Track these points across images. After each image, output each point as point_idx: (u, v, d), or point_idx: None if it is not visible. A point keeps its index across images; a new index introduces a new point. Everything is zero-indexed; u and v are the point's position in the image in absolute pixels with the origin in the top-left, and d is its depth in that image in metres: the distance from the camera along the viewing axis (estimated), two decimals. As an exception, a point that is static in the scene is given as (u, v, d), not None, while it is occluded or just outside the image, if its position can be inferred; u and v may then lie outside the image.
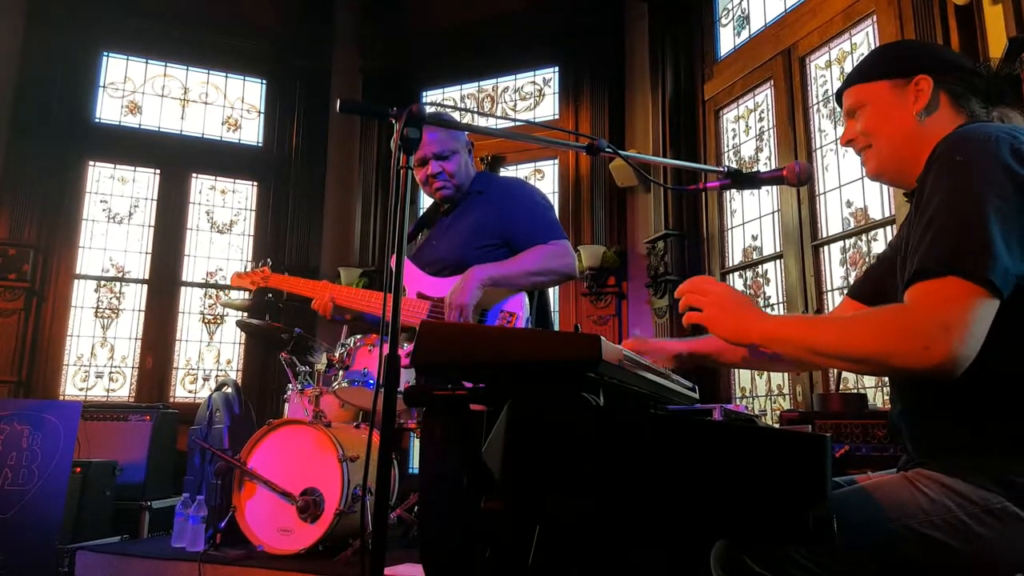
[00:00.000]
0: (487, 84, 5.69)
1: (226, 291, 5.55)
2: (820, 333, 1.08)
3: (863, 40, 3.60)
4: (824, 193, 3.75)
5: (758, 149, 4.30)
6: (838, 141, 3.65)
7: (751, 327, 1.15)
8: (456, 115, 5.17)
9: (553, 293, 2.49)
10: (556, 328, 2.19)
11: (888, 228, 3.35)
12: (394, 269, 1.31)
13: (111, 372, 5.20)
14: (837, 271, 3.65)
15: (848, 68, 3.67)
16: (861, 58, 1.39)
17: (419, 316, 2.06)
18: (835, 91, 1.39)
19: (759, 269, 4.19)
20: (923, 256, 1.02)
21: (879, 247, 3.42)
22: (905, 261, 1.12)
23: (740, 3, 4.51)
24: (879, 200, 3.41)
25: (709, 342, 1.51)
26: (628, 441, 0.90)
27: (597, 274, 4.75)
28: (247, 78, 5.83)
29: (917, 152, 1.20)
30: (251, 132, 5.80)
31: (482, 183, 2.22)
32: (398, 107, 1.41)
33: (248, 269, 2.62)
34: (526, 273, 2.01)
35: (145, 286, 5.33)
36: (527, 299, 2.01)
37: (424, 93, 5.85)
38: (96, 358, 5.20)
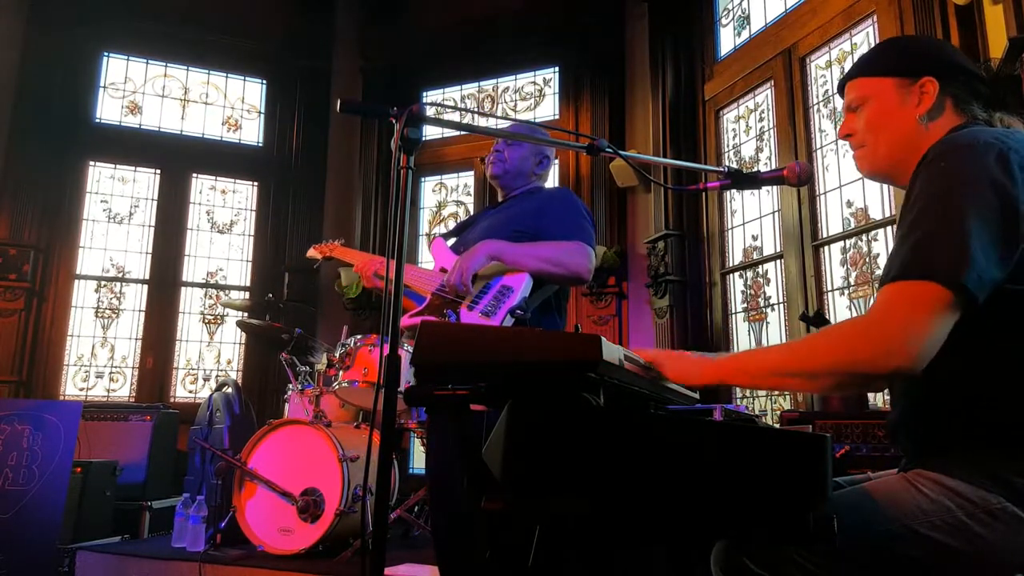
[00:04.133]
0: (487, 84, 5.69)
1: (226, 291, 5.55)
2: (780, 356, 1.10)
3: (863, 40, 3.60)
4: (824, 193, 3.75)
5: (758, 149, 4.30)
6: (838, 142, 3.67)
7: (706, 367, 1.18)
8: (456, 115, 5.17)
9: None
10: (565, 323, 2.20)
11: (889, 228, 3.35)
12: (394, 271, 1.31)
13: (111, 372, 5.21)
14: (837, 271, 3.65)
15: (848, 68, 3.67)
16: (866, 51, 1.36)
17: (432, 286, 2.09)
18: (839, 81, 1.37)
19: (759, 269, 4.19)
20: (901, 260, 1.03)
21: (879, 247, 3.42)
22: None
23: (740, 3, 4.50)
24: (879, 200, 3.41)
25: None
26: (628, 441, 0.90)
27: (597, 274, 4.75)
28: (247, 78, 5.84)
29: (912, 155, 1.19)
30: (251, 132, 5.80)
31: (535, 189, 2.34)
32: (398, 107, 1.41)
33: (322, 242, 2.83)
34: (535, 257, 2.02)
35: (145, 286, 5.33)
36: (530, 282, 2.00)
37: (424, 93, 5.85)
38: (96, 358, 5.20)
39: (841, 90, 1.35)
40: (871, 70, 1.28)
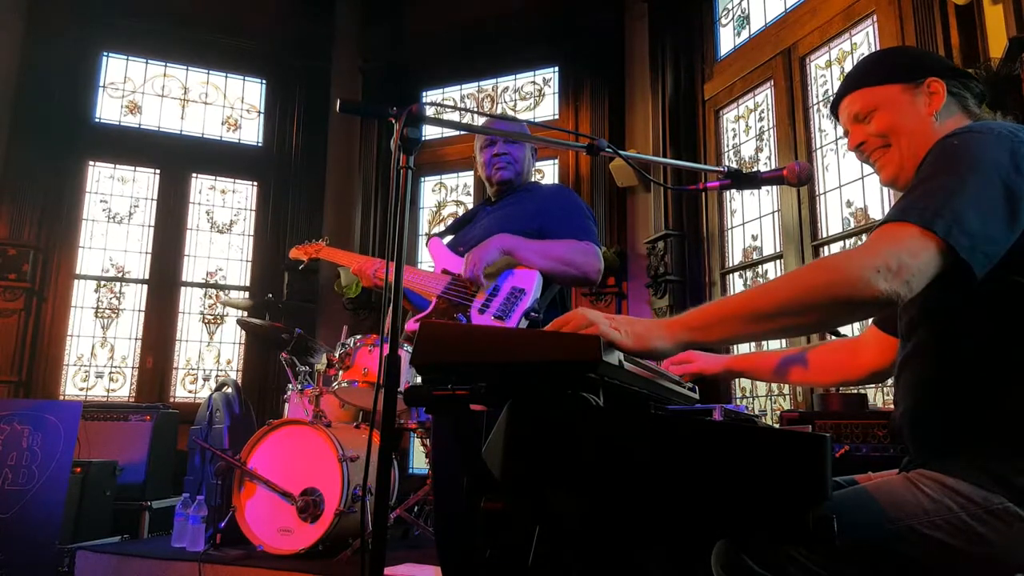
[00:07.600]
0: (487, 84, 5.69)
1: (226, 291, 5.55)
2: (760, 295, 1.06)
3: (863, 40, 3.60)
4: (824, 193, 3.75)
5: (758, 149, 4.30)
6: (838, 142, 3.67)
7: (675, 326, 1.05)
8: (456, 115, 5.17)
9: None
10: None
11: (888, 228, 3.35)
12: (393, 270, 1.31)
13: (111, 372, 5.20)
14: (837, 271, 3.65)
15: (848, 68, 3.67)
16: (857, 64, 1.37)
17: (437, 288, 2.07)
18: (833, 98, 1.37)
19: (759, 269, 4.19)
20: (895, 207, 1.06)
21: (879, 247, 3.41)
22: None
23: (740, 3, 4.50)
24: (879, 200, 3.41)
25: (743, 360, 1.60)
26: (628, 441, 0.90)
27: (597, 274, 4.75)
28: (247, 78, 5.83)
29: None
30: (251, 132, 5.80)
31: (532, 186, 2.32)
32: (398, 107, 1.41)
33: (307, 243, 2.74)
34: (548, 256, 2.01)
35: (145, 286, 5.33)
36: (540, 282, 1.99)
37: (424, 93, 5.85)
38: (96, 358, 5.20)
39: (835, 109, 1.35)
40: (873, 80, 1.29)
